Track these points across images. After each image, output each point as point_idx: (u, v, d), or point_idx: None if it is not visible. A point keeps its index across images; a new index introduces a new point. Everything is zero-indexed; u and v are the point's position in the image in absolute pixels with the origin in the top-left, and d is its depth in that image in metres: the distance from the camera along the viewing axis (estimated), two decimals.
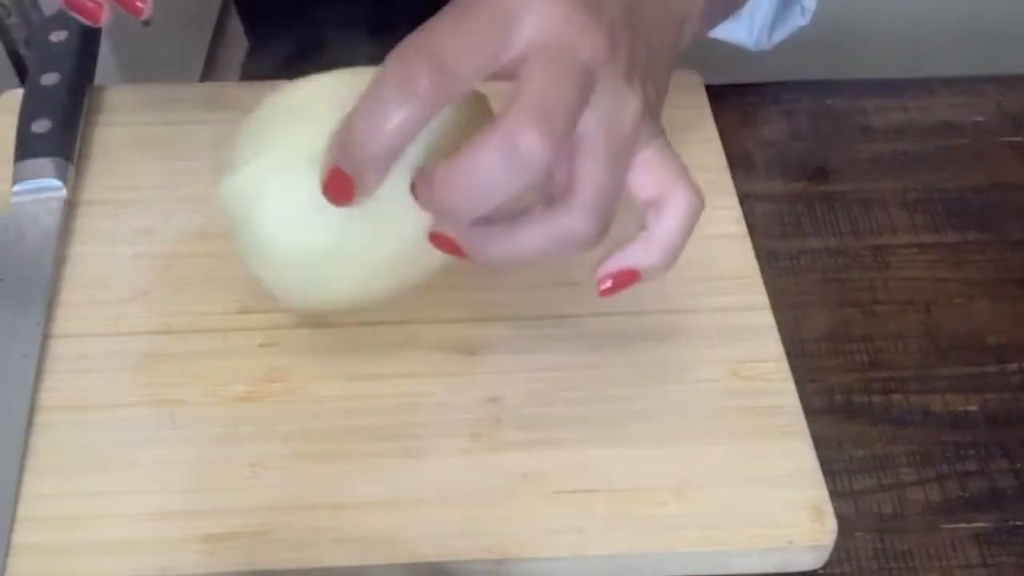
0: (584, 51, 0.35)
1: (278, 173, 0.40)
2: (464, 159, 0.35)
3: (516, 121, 0.34)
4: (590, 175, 0.36)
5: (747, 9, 0.59)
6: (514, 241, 0.37)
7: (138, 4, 0.42)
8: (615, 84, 0.36)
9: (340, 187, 0.37)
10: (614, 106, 0.36)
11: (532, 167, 0.34)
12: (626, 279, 0.38)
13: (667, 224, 0.38)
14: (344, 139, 0.36)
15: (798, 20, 0.61)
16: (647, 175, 0.38)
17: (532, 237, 0.37)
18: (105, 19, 0.42)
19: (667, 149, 0.38)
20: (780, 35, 0.62)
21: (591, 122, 0.36)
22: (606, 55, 0.36)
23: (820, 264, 0.55)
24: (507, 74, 0.35)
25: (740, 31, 0.61)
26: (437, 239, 0.38)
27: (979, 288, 0.54)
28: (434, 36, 0.35)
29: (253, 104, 0.46)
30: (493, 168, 0.34)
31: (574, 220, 0.36)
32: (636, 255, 0.38)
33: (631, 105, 0.37)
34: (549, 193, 0.37)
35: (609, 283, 0.38)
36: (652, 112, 0.39)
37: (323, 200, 0.37)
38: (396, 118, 0.35)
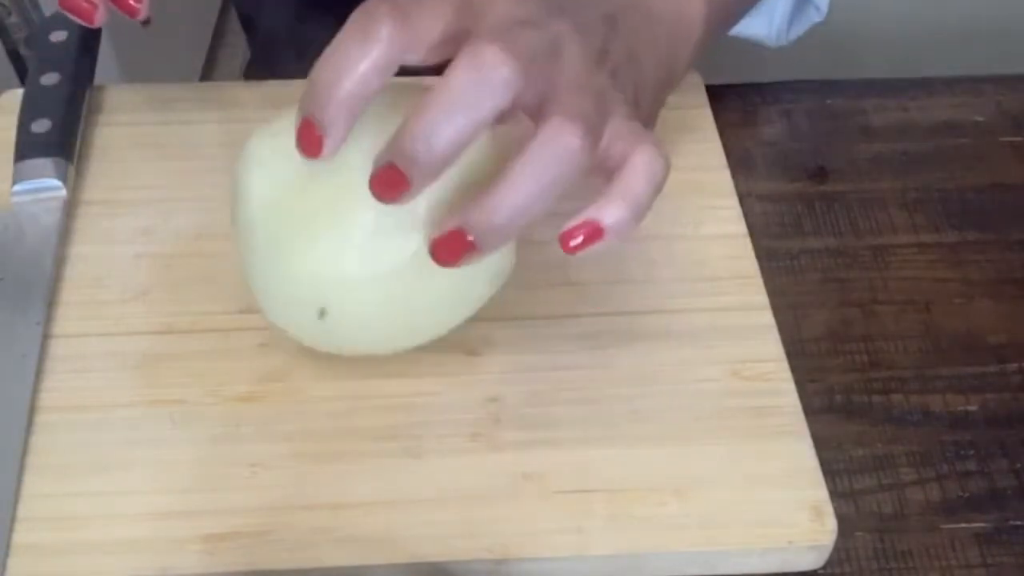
0: (550, 27, 0.37)
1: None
2: (435, 90, 0.35)
3: (480, 42, 0.35)
4: (563, 96, 0.36)
5: (765, 6, 0.60)
6: (513, 188, 0.36)
7: (133, 4, 0.42)
8: (582, 56, 0.38)
9: (310, 139, 0.37)
10: (583, 62, 0.37)
11: (502, 84, 0.35)
12: (591, 235, 0.37)
13: (627, 177, 0.38)
14: (310, 88, 0.36)
15: (814, 17, 0.62)
16: (613, 147, 0.38)
17: (527, 173, 0.36)
18: (100, 20, 0.43)
19: (638, 125, 0.39)
20: (797, 31, 0.62)
21: (562, 73, 0.37)
22: (570, 33, 0.38)
23: (820, 264, 0.55)
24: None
25: (759, 27, 0.62)
26: (441, 244, 0.37)
27: (979, 288, 0.54)
28: None
29: (253, 104, 0.47)
30: (468, 87, 0.35)
31: (556, 128, 0.35)
32: (598, 210, 0.37)
33: (598, 76, 0.38)
34: None
35: (577, 240, 0.38)
36: (630, 105, 0.40)
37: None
38: (359, 64, 0.36)
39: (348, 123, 0.37)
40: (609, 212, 0.37)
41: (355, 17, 0.36)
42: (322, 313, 0.41)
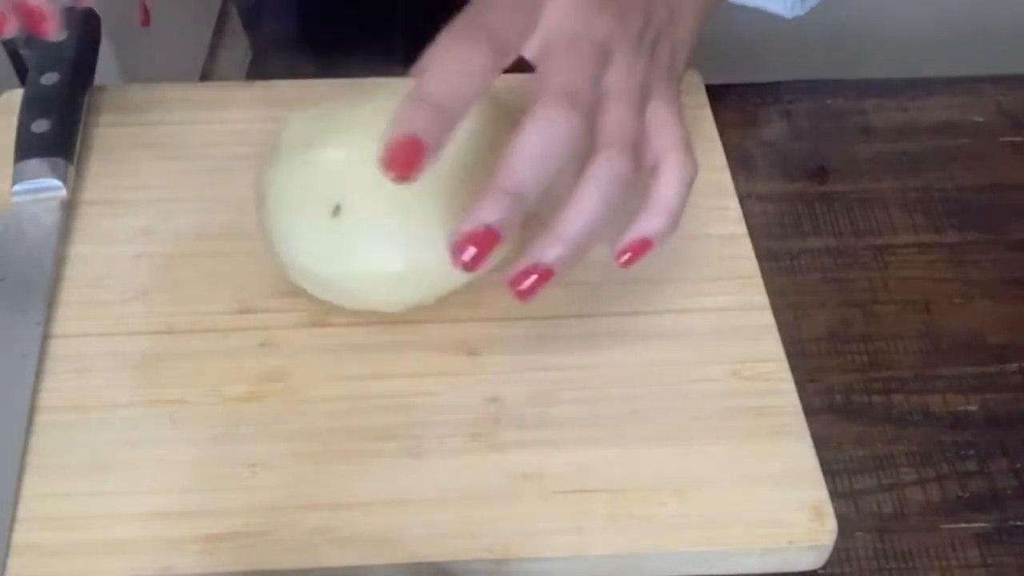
0: (596, 31, 0.41)
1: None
2: (516, 144, 0.39)
3: (546, 102, 0.39)
4: (613, 119, 0.40)
5: None
6: (575, 213, 0.40)
7: (46, 27, 0.44)
8: (627, 51, 0.42)
9: (410, 155, 0.37)
10: (629, 64, 0.42)
11: (569, 136, 0.39)
12: (641, 248, 0.42)
13: (665, 191, 0.42)
14: (416, 105, 0.38)
15: None
16: (648, 141, 0.42)
17: (586, 196, 0.40)
18: (9, 32, 0.43)
19: (671, 116, 0.43)
20: (811, 3, 0.63)
21: (610, 82, 0.41)
22: (616, 31, 0.42)
23: (820, 264, 0.55)
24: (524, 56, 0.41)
25: (774, 1, 0.62)
26: (519, 279, 0.40)
27: (979, 288, 0.54)
28: (483, 13, 0.40)
29: (253, 104, 0.47)
30: (540, 142, 0.39)
31: (611, 157, 0.40)
32: (644, 225, 0.42)
33: (640, 64, 0.42)
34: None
35: (628, 255, 0.42)
36: (665, 71, 0.44)
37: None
38: (469, 88, 0.39)
39: (451, 134, 0.39)
40: (652, 225, 0.42)
41: (452, 43, 0.39)
42: (337, 210, 0.43)
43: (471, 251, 0.38)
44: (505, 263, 0.41)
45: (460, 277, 0.44)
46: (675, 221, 0.42)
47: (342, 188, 0.44)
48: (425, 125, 0.37)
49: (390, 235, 0.44)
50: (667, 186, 0.42)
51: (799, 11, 0.63)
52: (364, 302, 0.46)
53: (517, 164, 0.38)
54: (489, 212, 0.38)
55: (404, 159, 0.37)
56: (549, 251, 0.39)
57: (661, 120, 0.43)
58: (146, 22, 0.69)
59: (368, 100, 0.46)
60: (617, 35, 0.42)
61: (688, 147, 0.42)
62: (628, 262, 0.42)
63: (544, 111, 0.39)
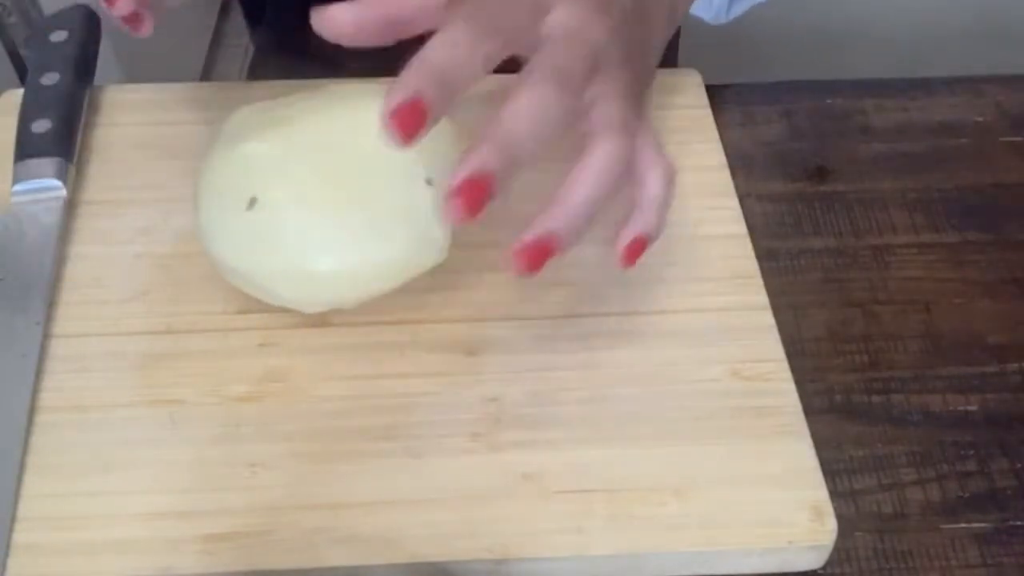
0: (593, 35, 0.41)
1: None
2: (510, 105, 0.38)
3: (541, 75, 0.39)
4: (603, 111, 0.41)
5: None
6: (577, 192, 0.40)
7: (140, 26, 0.44)
8: (617, 61, 0.42)
9: (414, 116, 0.37)
10: (617, 70, 0.42)
11: (561, 105, 0.39)
12: (638, 245, 0.43)
13: (651, 190, 0.43)
14: (421, 68, 0.37)
15: None
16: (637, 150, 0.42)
17: (586, 179, 0.40)
18: (147, 31, 0.44)
19: (646, 122, 0.44)
20: (738, 10, 0.65)
21: (596, 89, 0.41)
22: (613, 39, 0.42)
23: (820, 264, 0.55)
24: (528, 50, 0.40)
25: (700, 6, 0.64)
26: (526, 253, 0.39)
27: (979, 288, 0.54)
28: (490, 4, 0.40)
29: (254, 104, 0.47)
30: (535, 104, 0.38)
31: (610, 137, 0.40)
32: (637, 223, 0.43)
33: (624, 77, 0.43)
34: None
35: (627, 254, 0.43)
36: (640, 84, 0.44)
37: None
38: (470, 60, 0.38)
39: (453, 104, 0.38)
40: (645, 223, 0.43)
41: (461, 25, 0.38)
42: (251, 203, 0.43)
43: (461, 202, 0.37)
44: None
45: (381, 280, 0.44)
46: (663, 218, 0.43)
47: (259, 182, 0.43)
48: (429, 89, 0.37)
49: (303, 232, 0.43)
50: (653, 185, 0.43)
51: (723, 19, 0.64)
52: (281, 299, 0.45)
53: (512, 122, 0.38)
54: (484, 160, 0.37)
55: (404, 120, 0.36)
56: (555, 222, 0.39)
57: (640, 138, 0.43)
58: None
59: (308, 99, 0.46)
60: (612, 42, 0.42)
61: (660, 148, 0.43)
62: (630, 261, 0.43)
63: (538, 80, 0.38)
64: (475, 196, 0.37)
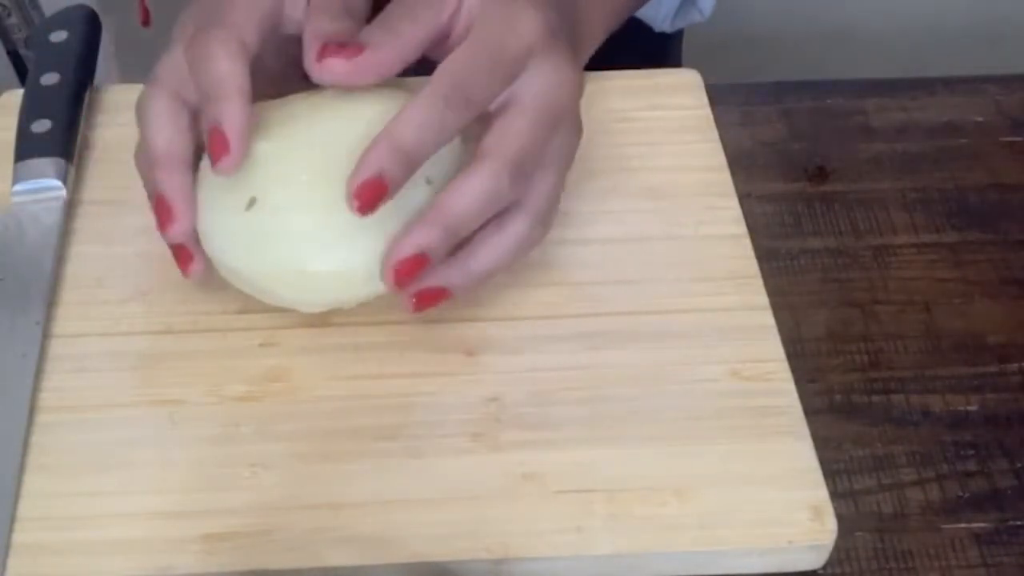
0: (561, 103, 0.44)
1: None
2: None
3: (485, 162, 0.42)
4: (504, 133, 0.43)
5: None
6: (485, 256, 0.44)
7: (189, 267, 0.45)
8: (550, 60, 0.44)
9: (376, 192, 0.40)
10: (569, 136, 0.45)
11: (505, 194, 0.42)
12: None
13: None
14: (393, 146, 0.40)
15: (696, 17, 0.69)
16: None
17: (495, 251, 0.44)
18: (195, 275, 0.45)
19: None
20: (680, 24, 0.70)
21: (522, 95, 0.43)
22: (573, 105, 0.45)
23: (820, 264, 0.55)
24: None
25: (648, 11, 0.68)
26: (420, 299, 0.43)
27: (979, 288, 0.54)
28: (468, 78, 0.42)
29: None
30: (484, 189, 0.42)
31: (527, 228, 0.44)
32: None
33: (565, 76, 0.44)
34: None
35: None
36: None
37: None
38: (437, 137, 0.41)
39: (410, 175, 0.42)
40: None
41: (432, 104, 0.41)
42: (251, 203, 0.43)
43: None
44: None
45: (378, 281, 0.44)
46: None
47: (259, 181, 0.43)
48: (392, 168, 0.40)
49: (302, 233, 0.43)
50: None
51: (666, 29, 0.70)
52: (280, 300, 0.45)
53: (457, 205, 0.41)
54: (428, 238, 0.41)
55: (366, 196, 0.40)
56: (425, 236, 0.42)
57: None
58: (146, 22, 0.69)
59: (307, 98, 0.45)
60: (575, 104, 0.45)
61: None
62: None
63: (489, 169, 0.41)
64: (415, 266, 0.41)
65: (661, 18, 0.69)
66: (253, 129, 0.44)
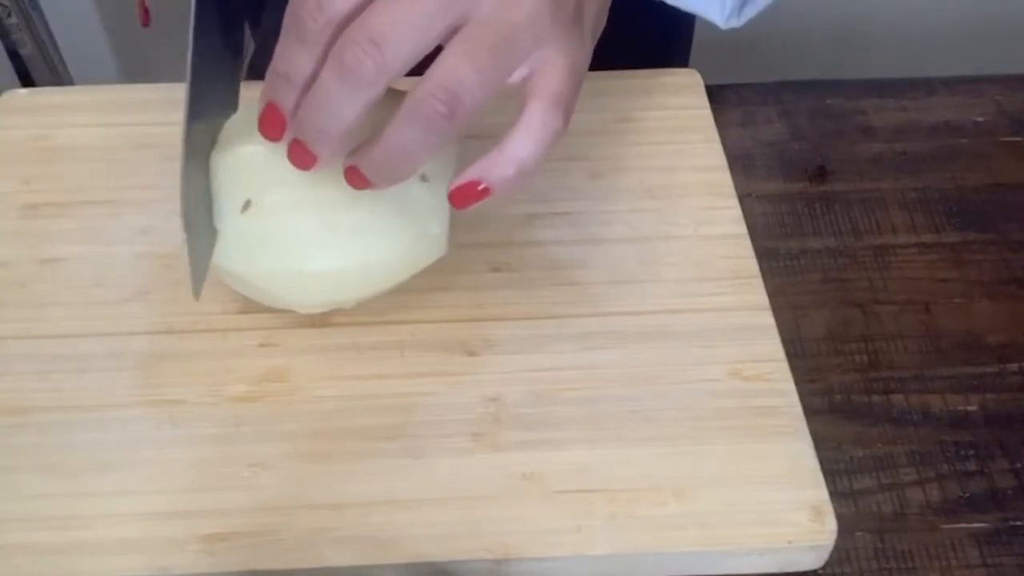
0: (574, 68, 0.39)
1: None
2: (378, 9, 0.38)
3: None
4: (543, 80, 0.39)
5: None
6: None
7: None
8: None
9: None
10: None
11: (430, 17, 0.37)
12: (469, 189, 0.39)
13: (509, 148, 0.39)
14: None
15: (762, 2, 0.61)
16: (528, 80, 0.40)
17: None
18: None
19: (563, 67, 0.39)
20: (751, 12, 0.61)
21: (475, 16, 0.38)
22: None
23: (820, 264, 0.55)
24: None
25: (712, 8, 0.60)
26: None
27: (979, 288, 0.54)
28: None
29: (253, 103, 0.46)
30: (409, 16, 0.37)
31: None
32: (479, 170, 0.39)
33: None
34: None
35: (455, 195, 0.40)
36: (565, 16, 0.40)
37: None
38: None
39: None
40: (485, 172, 0.39)
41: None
42: (247, 205, 0.43)
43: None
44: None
45: (381, 279, 0.44)
46: (519, 173, 0.39)
47: (253, 184, 0.43)
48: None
49: (298, 233, 0.43)
50: (515, 145, 0.39)
51: (735, 23, 0.62)
52: (279, 301, 0.45)
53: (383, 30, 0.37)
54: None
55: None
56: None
57: (549, 64, 0.40)
58: (146, 22, 0.69)
59: None
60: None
61: (561, 103, 0.39)
62: (456, 201, 0.40)
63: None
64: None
65: (727, 13, 0.60)
66: (245, 132, 0.44)
